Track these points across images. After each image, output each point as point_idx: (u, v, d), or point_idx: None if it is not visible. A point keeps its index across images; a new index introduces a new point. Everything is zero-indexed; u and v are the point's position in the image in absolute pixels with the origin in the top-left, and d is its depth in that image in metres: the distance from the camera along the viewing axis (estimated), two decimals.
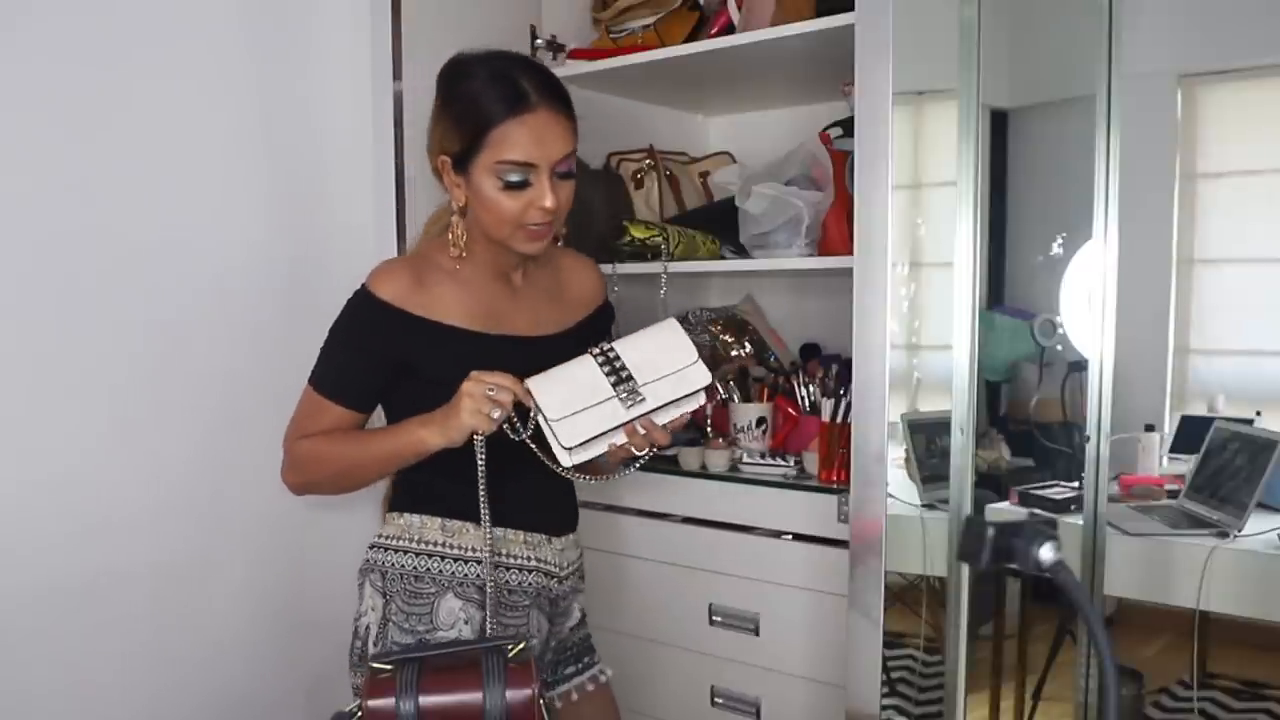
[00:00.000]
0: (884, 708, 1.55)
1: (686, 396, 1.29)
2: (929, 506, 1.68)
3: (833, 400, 1.87)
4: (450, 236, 1.35)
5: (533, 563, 1.39)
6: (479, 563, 1.34)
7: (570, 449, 1.26)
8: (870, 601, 1.52)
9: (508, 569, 1.36)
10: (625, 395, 1.25)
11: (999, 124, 1.77)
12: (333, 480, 1.38)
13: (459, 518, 1.36)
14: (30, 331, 1.54)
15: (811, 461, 1.90)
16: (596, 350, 1.28)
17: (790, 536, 1.81)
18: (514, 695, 1.18)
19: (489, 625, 1.33)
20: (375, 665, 1.21)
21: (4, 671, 1.52)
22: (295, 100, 1.86)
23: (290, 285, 1.86)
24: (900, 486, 1.60)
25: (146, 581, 1.68)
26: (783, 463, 1.92)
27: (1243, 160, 1.75)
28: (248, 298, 1.81)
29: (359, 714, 1.18)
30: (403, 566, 1.36)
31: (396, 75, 1.76)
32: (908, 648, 1.71)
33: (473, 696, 1.18)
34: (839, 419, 1.85)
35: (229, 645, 1.80)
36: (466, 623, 1.33)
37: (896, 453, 1.59)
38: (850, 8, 1.54)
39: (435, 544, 1.36)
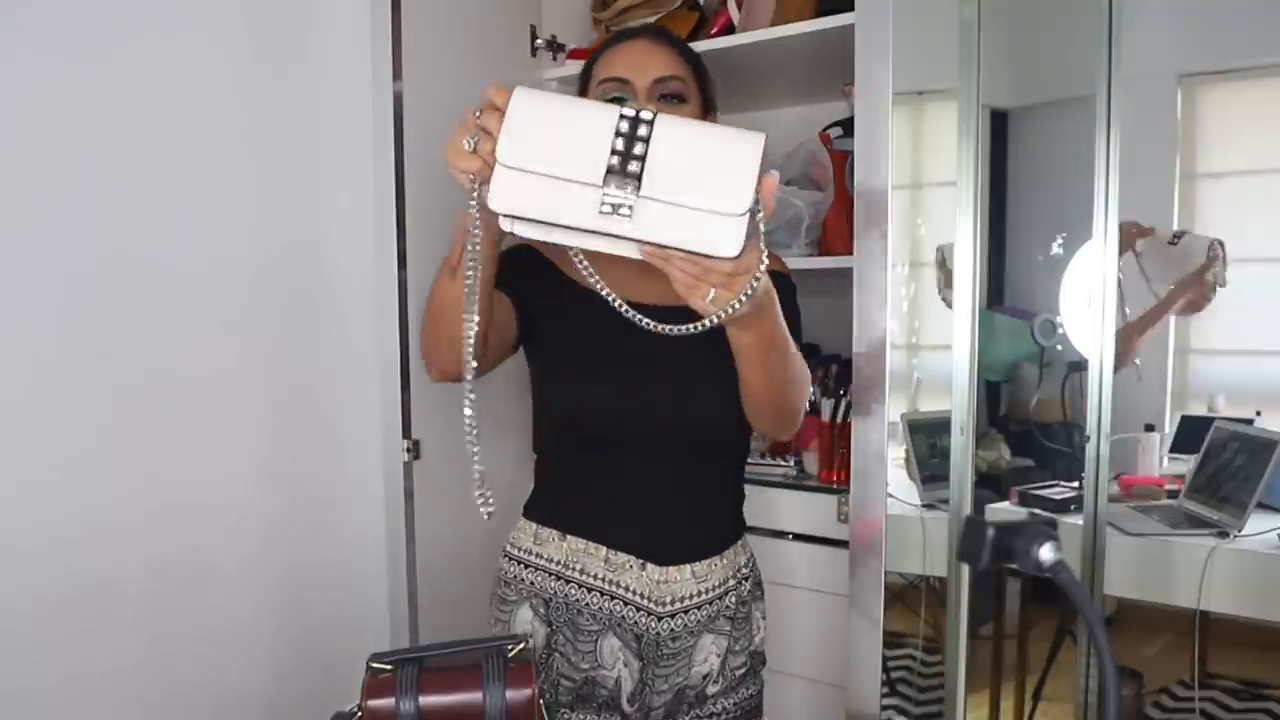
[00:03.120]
0: (884, 708, 1.55)
1: (688, 251, 0.83)
2: (929, 506, 1.68)
3: (833, 400, 1.87)
4: None
5: (609, 587, 1.23)
6: (550, 575, 1.26)
7: (501, 214, 0.85)
8: (870, 601, 1.52)
9: (582, 586, 1.24)
10: (610, 193, 0.82)
11: (999, 124, 1.77)
12: (428, 319, 1.17)
13: (549, 525, 1.27)
14: (29, 331, 1.54)
15: (811, 461, 1.90)
16: (632, 111, 0.84)
17: (790, 536, 1.82)
18: (514, 695, 1.17)
19: (557, 640, 1.25)
20: (375, 665, 1.21)
21: (3, 671, 1.52)
22: (295, 100, 1.86)
23: (290, 285, 1.86)
24: (900, 486, 1.61)
25: (145, 581, 1.68)
26: (783, 463, 1.92)
27: (1243, 160, 1.75)
28: (247, 297, 1.80)
29: (359, 714, 1.18)
30: (499, 571, 1.32)
31: (396, 75, 1.75)
32: (908, 648, 1.71)
33: (473, 696, 1.17)
34: (839, 419, 1.85)
35: (227, 646, 1.80)
36: (531, 637, 1.22)
37: (896, 453, 1.59)
38: (850, 8, 1.54)
39: (524, 550, 1.29)
